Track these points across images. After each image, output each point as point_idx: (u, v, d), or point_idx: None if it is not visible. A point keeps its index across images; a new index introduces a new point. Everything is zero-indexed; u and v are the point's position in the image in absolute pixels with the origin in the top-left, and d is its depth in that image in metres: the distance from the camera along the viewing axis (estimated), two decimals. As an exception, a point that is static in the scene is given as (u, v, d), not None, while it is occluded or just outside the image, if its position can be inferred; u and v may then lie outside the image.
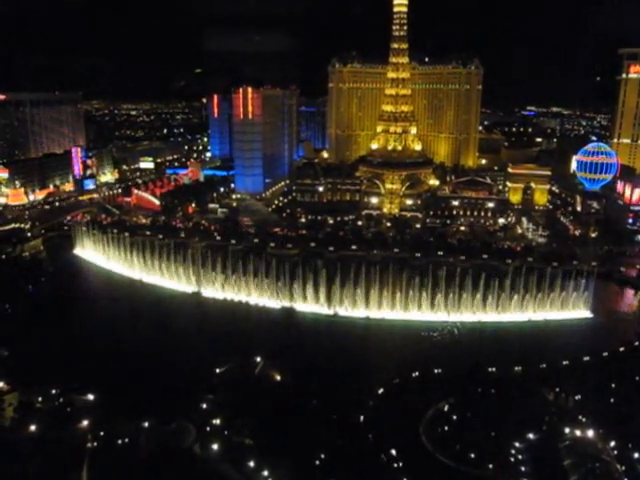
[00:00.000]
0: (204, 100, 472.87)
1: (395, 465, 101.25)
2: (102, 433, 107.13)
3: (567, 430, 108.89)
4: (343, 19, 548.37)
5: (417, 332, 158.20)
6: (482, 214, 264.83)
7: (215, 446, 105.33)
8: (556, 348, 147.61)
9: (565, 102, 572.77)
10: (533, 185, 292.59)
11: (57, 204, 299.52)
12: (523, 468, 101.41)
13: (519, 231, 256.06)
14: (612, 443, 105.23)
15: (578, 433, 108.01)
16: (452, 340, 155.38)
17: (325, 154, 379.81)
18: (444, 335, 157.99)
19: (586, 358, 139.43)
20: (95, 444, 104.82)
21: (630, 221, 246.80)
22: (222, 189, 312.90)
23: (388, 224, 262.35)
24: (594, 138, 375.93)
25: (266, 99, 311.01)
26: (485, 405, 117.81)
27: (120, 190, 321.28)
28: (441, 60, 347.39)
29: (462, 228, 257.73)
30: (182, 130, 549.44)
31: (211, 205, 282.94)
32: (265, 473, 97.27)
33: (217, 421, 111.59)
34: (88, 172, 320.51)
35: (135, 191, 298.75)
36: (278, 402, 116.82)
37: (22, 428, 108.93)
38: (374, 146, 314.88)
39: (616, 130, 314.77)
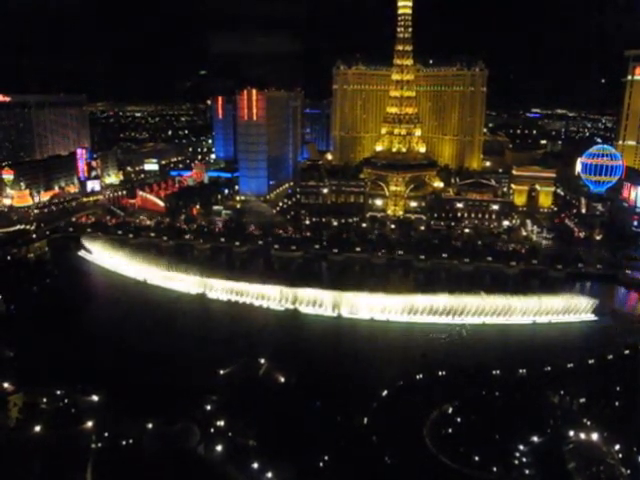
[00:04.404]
0: (209, 102, 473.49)
1: (399, 467, 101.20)
2: (107, 434, 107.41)
3: (571, 433, 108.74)
4: (348, 21, 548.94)
5: (421, 334, 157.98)
6: (486, 216, 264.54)
7: (219, 447, 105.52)
8: (560, 351, 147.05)
9: (570, 104, 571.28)
10: (538, 187, 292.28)
11: (62, 206, 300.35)
12: (527, 471, 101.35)
13: (523, 233, 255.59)
14: (617, 446, 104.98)
15: (583, 436, 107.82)
16: (460, 342, 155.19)
17: (329, 156, 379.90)
18: (452, 337, 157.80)
19: (590, 361, 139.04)
20: (100, 445, 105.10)
21: (635, 224, 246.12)
22: (226, 191, 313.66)
23: (392, 226, 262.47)
24: (599, 140, 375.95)
25: (270, 101, 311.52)
26: (489, 407, 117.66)
27: (125, 192, 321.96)
28: (446, 62, 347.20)
29: (466, 230, 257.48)
30: (187, 132, 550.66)
31: (215, 207, 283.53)
32: (269, 474, 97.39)
33: (221, 422, 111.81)
34: (93, 174, 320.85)
35: (140, 193, 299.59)
36: (282, 403, 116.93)
37: (27, 429, 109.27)
38: (378, 148, 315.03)
39: (621, 132, 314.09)
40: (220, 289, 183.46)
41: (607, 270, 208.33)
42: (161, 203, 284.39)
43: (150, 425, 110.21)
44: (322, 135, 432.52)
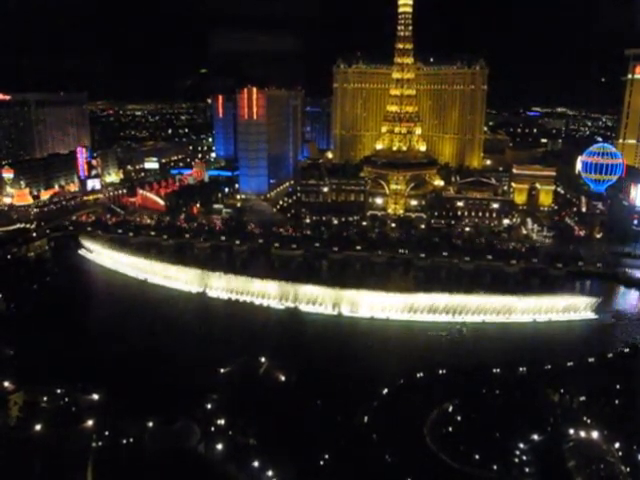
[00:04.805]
0: (209, 100, 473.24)
1: (399, 466, 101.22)
2: (107, 433, 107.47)
3: (571, 431, 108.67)
4: (348, 19, 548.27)
5: (421, 332, 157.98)
6: (487, 215, 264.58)
7: (219, 446, 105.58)
8: (560, 349, 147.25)
9: (570, 103, 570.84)
10: (538, 186, 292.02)
11: (62, 204, 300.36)
12: (527, 469, 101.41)
13: (524, 232, 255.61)
14: (617, 444, 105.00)
15: (583, 434, 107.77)
16: (461, 340, 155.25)
17: (330, 154, 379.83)
18: (453, 334, 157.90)
19: (590, 359, 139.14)
20: (100, 444, 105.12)
21: (635, 222, 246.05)
22: (227, 189, 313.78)
23: (393, 225, 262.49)
24: (599, 139, 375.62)
25: (271, 99, 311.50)
26: (489, 406, 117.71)
27: (125, 190, 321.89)
28: (446, 60, 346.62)
29: (467, 229, 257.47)
30: (187, 130, 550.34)
31: (216, 205, 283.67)
32: (269, 473, 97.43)
33: (221, 421, 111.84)
34: (93, 172, 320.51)
35: (140, 191, 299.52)
36: (282, 402, 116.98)
37: (27, 427, 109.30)
38: (379, 146, 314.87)
39: (621, 131, 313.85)
40: (220, 288, 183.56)
41: (607, 268, 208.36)
42: (161, 202, 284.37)
43: (150, 424, 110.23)
44: (322, 134, 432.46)
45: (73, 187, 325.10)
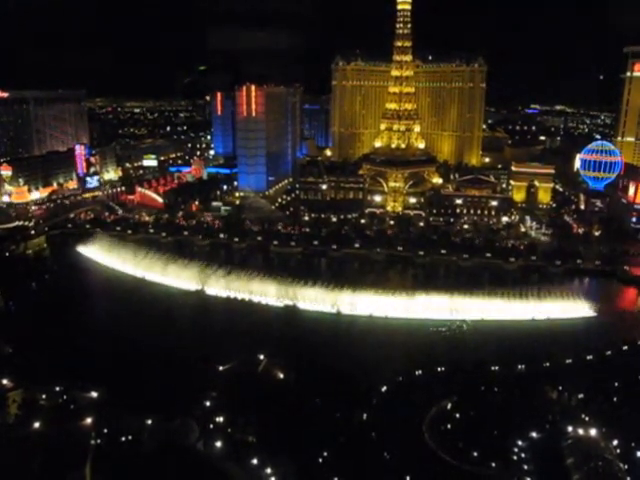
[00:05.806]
0: (208, 98, 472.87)
1: (398, 463, 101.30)
2: (106, 430, 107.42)
3: (570, 429, 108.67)
4: (347, 17, 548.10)
5: (420, 330, 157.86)
6: (485, 212, 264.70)
7: (218, 443, 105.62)
8: (559, 347, 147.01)
9: (569, 100, 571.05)
10: (537, 183, 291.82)
11: (60, 202, 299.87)
12: (526, 466, 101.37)
13: (522, 229, 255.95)
14: (615, 442, 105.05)
15: (581, 432, 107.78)
16: (461, 337, 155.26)
17: (328, 152, 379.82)
18: (453, 331, 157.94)
19: (589, 357, 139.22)
20: (99, 441, 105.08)
21: (634, 220, 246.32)
22: (225, 187, 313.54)
23: (391, 222, 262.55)
24: (598, 136, 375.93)
25: (269, 97, 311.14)
26: (488, 403, 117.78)
27: (123, 188, 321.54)
28: (445, 58, 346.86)
29: (465, 226, 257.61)
30: (185, 128, 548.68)
31: (214, 203, 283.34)
32: (268, 471, 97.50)
33: (220, 419, 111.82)
34: (91, 170, 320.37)
35: (139, 189, 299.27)
36: (281, 400, 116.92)
37: (26, 425, 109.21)
38: (377, 144, 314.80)
39: (620, 128, 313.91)
40: (219, 285, 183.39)
41: (606, 266, 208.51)
42: (160, 199, 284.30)
43: (149, 421, 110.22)
44: (321, 131, 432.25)
45: (72, 185, 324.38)
